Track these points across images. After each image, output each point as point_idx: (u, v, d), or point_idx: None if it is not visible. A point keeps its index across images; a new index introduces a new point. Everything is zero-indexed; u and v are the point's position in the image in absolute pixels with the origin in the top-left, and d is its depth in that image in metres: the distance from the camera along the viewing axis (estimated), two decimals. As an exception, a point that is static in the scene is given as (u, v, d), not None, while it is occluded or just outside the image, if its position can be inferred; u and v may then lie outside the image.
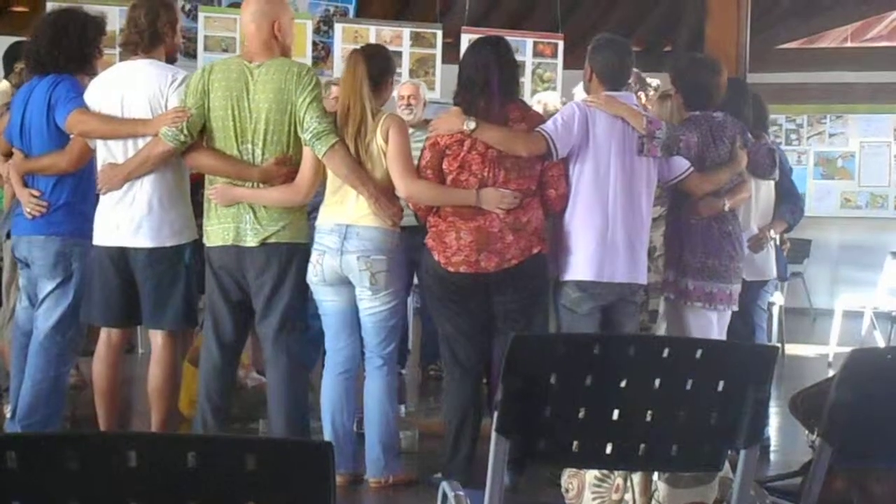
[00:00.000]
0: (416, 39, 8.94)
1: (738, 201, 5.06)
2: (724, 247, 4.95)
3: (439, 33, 8.92)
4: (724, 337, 4.98)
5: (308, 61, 8.56)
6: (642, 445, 2.35)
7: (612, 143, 4.61)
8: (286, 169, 4.53)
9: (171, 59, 4.82)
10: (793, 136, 11.52)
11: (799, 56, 12.73)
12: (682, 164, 4.84)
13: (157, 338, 4.73)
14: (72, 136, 4.73)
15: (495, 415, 2.32)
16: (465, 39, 9.06)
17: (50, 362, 4.78)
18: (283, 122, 4.49)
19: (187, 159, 4.62)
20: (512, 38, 9.32)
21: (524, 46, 9.19)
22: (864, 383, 2.44)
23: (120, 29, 8.15)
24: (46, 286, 4.81)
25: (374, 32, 8.86)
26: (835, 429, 2.46)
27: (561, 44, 9.26)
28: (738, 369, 2.32)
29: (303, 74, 4.53)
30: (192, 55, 8.78)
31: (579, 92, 6.53)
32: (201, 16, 8.52)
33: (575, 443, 2.32)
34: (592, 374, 2.27)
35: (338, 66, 8.68)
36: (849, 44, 12.92)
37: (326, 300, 4.66)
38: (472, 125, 4.47)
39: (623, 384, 2.28)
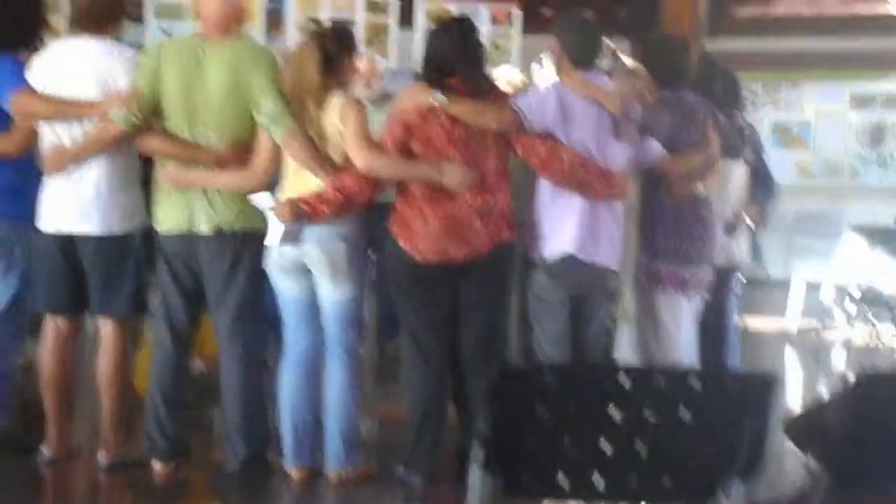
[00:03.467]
0: (370, 6, 8.71)
1: (711, 182, 4.92)
2: (696, 230, 4.80)
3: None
4: (694, 324, 4.87)
5: (262, 29, 8.35)
6: (634, 477, 2.21)
7: (587, 125, 4.44)
8: (240, 152, 4.34)
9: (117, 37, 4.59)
10: (747, 105, 11.39)
11: (754, 25, 12.61)
12: (654, 147, 4.69)
13: (106, 326, 4.55)
14: (15, 119, 4.48)
15: (479, 450, 2.16)
16: (421, 9, 8.88)
17: None
18: (238, 104, 4.31)
19: (138, 142, 4.42)
20: (466, 5, 9.25)
21: (479, 16, 9.01)
22: (869, 409, 2.31)
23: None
24: (-14, 273, 4.58)
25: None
26: (833, 454, 2.33)
27: (515, 10, 9.08)
28: (735, 399, 2.18)
29: (258, 54, 4.36)
30: (138, 20, 8.52)
31: (538, 70, 6.39)
32: (151, -19, 8.22)
33: (563, 475, 2.17)
34: (581, 404, 2.12)
35: (291, 34, 8.44)
36: (804, 12, 12.83)
37: (285, 288, 4.47)
38: (441, 98, 4.29)
39: (614, 414, 2.13)
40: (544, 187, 4.49)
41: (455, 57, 4.38)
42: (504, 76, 6.09)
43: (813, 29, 12.03)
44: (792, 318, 8.54)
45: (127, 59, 4.42)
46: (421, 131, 4.33)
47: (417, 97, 4.37)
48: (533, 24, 9.17)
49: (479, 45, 4.51)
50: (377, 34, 8.72)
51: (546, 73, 6.31)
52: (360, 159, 4.30)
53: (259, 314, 4.50)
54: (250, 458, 4.48)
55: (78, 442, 4.76)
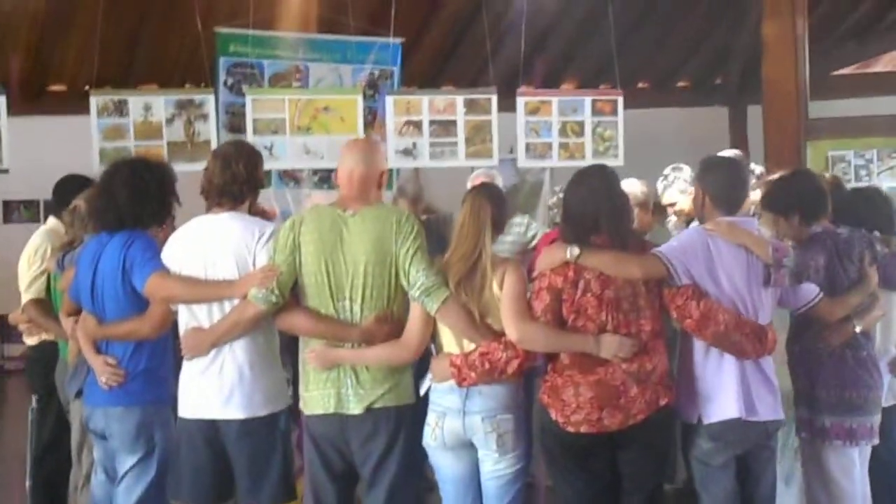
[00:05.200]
0: (471, 106, 8.56)
1: (871, 322, 4.64)
2: (860, 376, 4.54)
3: (494, 98, 8.54)
4: (866, 473, 4.57)
5: (360, 134, 8.26)
6: None
7: (736, 274, 4.19)
8: (388, 326, 4.14)
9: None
10: (862, 173, 11.01)
11: (856, 83, 12.34)
12: (811, 291, 4.43)
13: None
14: (150, 300, 4.35)
15: None
16: (521, 102, 8.71)
17: None
18: (384, 276, 4.11)
19: (279, 321, 4.23)
20: (570, 97, 9.08)
21: (582, 105, 8.85)
22: None
23: (167, 119, 7.92)
24: (126, 461, 4.42)
25: (426, 103, 8.50)
26: None
27: (620, 100, 8.88)
28: None
29: (402, 222, 4.16)
30: (236, 131, 8.50)
31: (664, 185, 6.15)
32: (248, 98, 8.18)
33: None
34: None
35: (391, 140, 8.34)
36: (906, 67, 12.57)
37: (445, 466, 4.25)
38: (576, 251, 4.08)
39: None
40: (697, 345, 4.24)
41: (597, 211, 4.16)
42: (626, 189, 5.86)
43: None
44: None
45: (264, 234, 4.27)
46: (570, 296, 4.11)
47: (554, 255, 4.16)
48: (628, 98, 8.99)
49: (622, 196, 4.30)
50: (479, 134, 8.56)
51: (671, 192, 6.10)
52: (514, 330, 4.08)
53: (414, 495, 4.26)
54: None
55: None
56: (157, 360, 4.46)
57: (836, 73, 12.25)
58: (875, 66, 12.56)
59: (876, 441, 4.60)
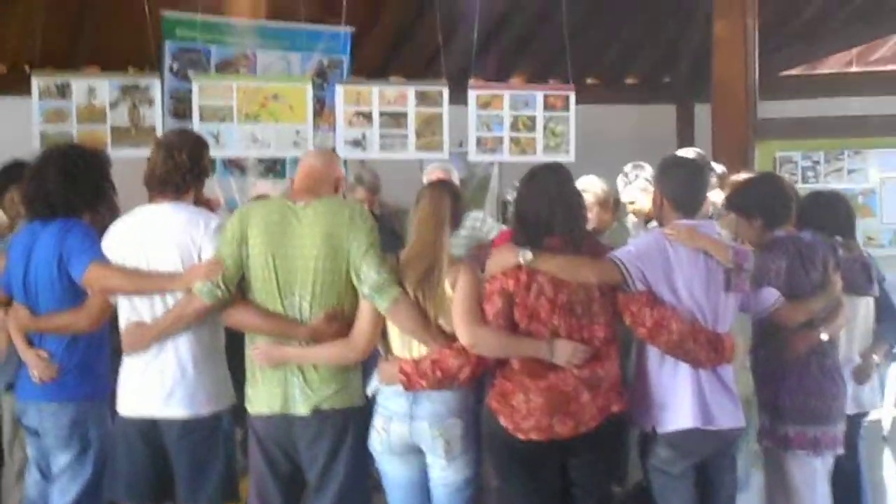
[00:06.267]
0: (422, 98, 8.44)
1: (836, 329, 4.56)
2: (824, 385, 4.45)
3: (445, 91, 8.42)
4: (828, 481, 4.50)
5: (309, 123, 8.11)
6: None
7: (696, 279, 4.06)
8: (338, 324, 3.98)
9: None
10: (809, 174, 11.00)
11: (803, 83, 12.35)
12: (771, 294, 4.34)
13: None
14: (89, 291, 4.18)
15: None
16: (472, 96, 8.59)
17: None
18: (335, 271, 3.95)
19: (225, 316, 4.06)
20: (521, 91, 8.97)
21: (534, 100, 8.75)
22: None
23: (111, 103, 7.70)
24: (61, 459, 4.25)
25: (376, 93, 8.36)
26: None
27: (573, 95, 8.79)
28: None
29: (356, 217, 4.00)
30: (181, 117, 8.29)
31: (624, 183, 6.05)
32: (195, 85, 7.97)
33: None
34: None
35: (340, 129, 8.19)
36: (853, 68, 12.58)
37: (393, 471, 4.11)
38: (529, 255, 3.95)
39: None
40: (652, 352, 4.13)
41: (551, 212, 4.03)
42: (587, 187, 5.77)
43: (866, 87, 11.82)
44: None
45: (210, 226, 4.10)
46: (523, 300, 3.97)
47: (505, 258, 4.01)
48: (580, 95, 8.90)
49: (576, 196, 4.18)
50: (429, 127, 8.44)
51: (631, 190, 6.00)
52: (466, 335, 3.94)
53: (362, 499, 4.10)
54: None
55: None
56: (94, 355, 4.29)
57: (783, 73, 12.25)
58: (822, 67, 12.57)
59: (840, 451, 4.53)
